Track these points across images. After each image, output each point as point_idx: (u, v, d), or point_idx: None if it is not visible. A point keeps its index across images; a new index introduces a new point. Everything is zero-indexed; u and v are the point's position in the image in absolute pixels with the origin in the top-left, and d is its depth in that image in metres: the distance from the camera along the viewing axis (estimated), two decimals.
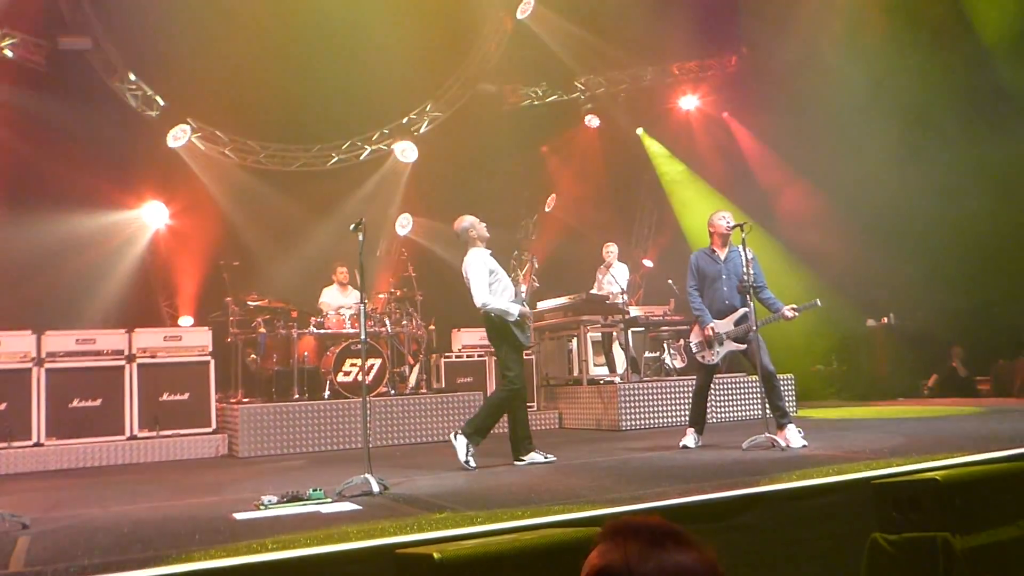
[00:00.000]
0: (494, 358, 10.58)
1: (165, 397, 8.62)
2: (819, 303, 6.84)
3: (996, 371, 11.56)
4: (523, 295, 6.73)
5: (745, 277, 6.79)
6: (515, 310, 6.45)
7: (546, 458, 6.42)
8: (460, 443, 6.30)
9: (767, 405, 6.65)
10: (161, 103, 11.85)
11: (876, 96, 10.73)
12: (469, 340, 10.83)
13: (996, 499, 4.07)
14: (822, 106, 11.45)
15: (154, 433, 8.43)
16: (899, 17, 11.65)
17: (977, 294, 10.76)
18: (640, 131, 15.31)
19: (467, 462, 6.23)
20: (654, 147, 15.28)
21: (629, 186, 15.52)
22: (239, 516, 4.51)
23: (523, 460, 6.41)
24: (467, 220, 6.71)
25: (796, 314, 6.78)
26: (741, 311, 6.85)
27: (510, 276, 6.87)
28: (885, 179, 11.09)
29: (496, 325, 6.48)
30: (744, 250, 6.83)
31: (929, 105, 10.90)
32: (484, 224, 6.76)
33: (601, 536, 1.37)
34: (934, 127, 10.97)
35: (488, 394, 10.36)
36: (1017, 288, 10.88)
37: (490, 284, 6.46)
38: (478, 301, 6.42)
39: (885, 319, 12.91)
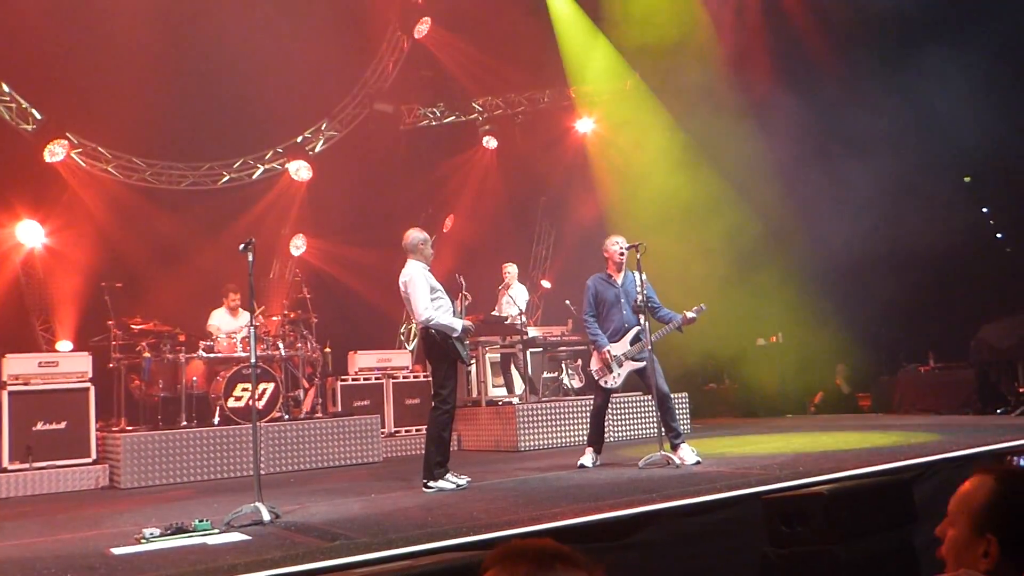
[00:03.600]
0: (394, 380, 10.50)
1: (40, 427, 8.13)
2: (704, 307, 6.98)
3: (877, 387, 12.10)
4: (460, 312, 6.64)
5: (639, 299, 6.91)
6: (458, 325, 6.30)
7: (457, 485, 6.08)
8: (438, 486, 6.03)
9: (663, 425, 6.77)
10: (38, 116, 11.27)
11: (762, 120, 11.16)
12: (366, 363, 10.66)
13: (878, 510, 4.24)
14: (709, 130, 11.84)
15: (27, 465, 7.94)
16: (780, 53, 12.19)
17: (859, 313, 11.26)
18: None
19: (459, 485, 6.05)
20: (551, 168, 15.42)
21: (527, 207, 15.63)
22: (117, 551, 4.26)
23: (431, 488, 6.05)
24: (422, 235, 6.56)
25: (693, 316, 6.91)
26: (635, 329, 6.96)
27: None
28: (768, 203, 11.52)
29: (437, 341, 6.25)
30: (639, 272, 6.95)
31: (803, 137, 11.38)
32: (432, 249, 6.65)
33: (490, 562, 1.34)
34: (812, 154, 11.46)
35: (385, 415, 10.28)
36: (895, 306, 11.43)
37: (432, 300, 6.28)
38: (421, 316, 6.20)
39: (774, 338, 13.35)
